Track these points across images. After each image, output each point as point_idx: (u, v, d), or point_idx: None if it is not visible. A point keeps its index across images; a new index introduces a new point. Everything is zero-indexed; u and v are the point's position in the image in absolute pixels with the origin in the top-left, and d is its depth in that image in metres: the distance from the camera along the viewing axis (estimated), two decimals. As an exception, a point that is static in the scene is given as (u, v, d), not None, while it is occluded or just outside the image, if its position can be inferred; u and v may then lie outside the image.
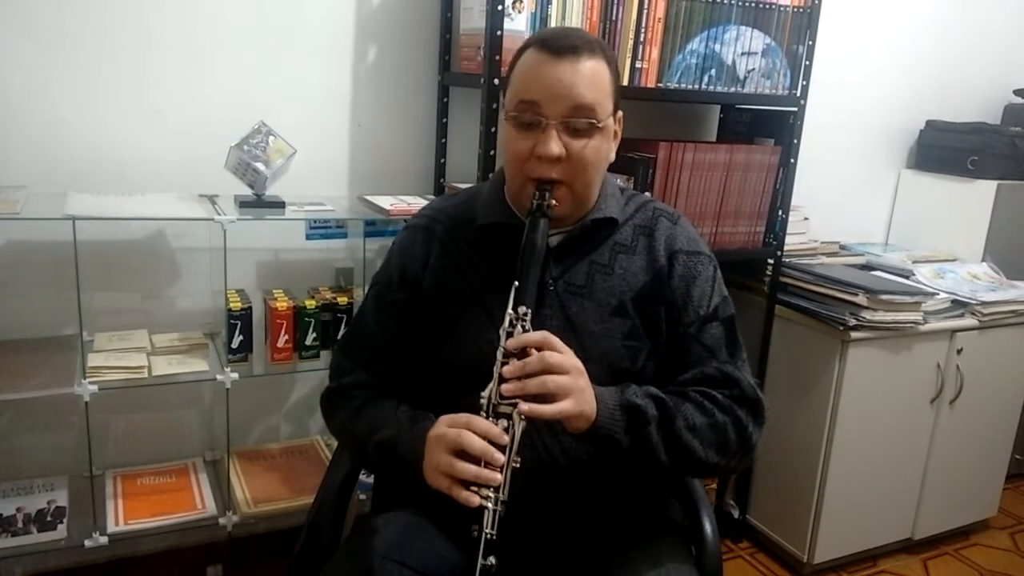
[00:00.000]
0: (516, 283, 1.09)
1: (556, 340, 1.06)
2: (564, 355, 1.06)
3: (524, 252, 1.11)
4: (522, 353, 1.04)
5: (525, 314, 1.07)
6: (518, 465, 1.03)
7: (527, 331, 1.06)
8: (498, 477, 1.00)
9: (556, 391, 1.03)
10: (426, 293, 1.24)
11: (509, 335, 1.06)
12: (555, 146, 1.11)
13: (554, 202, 1.13)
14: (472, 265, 1.23)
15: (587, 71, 1.11)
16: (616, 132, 1.20)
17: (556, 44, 1.11)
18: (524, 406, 1.01)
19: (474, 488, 1.00)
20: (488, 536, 1.00)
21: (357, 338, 1.31)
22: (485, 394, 1.05)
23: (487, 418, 1.04)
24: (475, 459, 1.01)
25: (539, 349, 1.04)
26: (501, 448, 1.01)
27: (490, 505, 1.00)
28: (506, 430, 1.02)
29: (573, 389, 1.04)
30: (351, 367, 1.28)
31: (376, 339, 1.28)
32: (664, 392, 1.16)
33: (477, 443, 1.01)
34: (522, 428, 1.03)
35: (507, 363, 1.04)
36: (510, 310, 1.07)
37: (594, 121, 1.12)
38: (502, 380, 1.04)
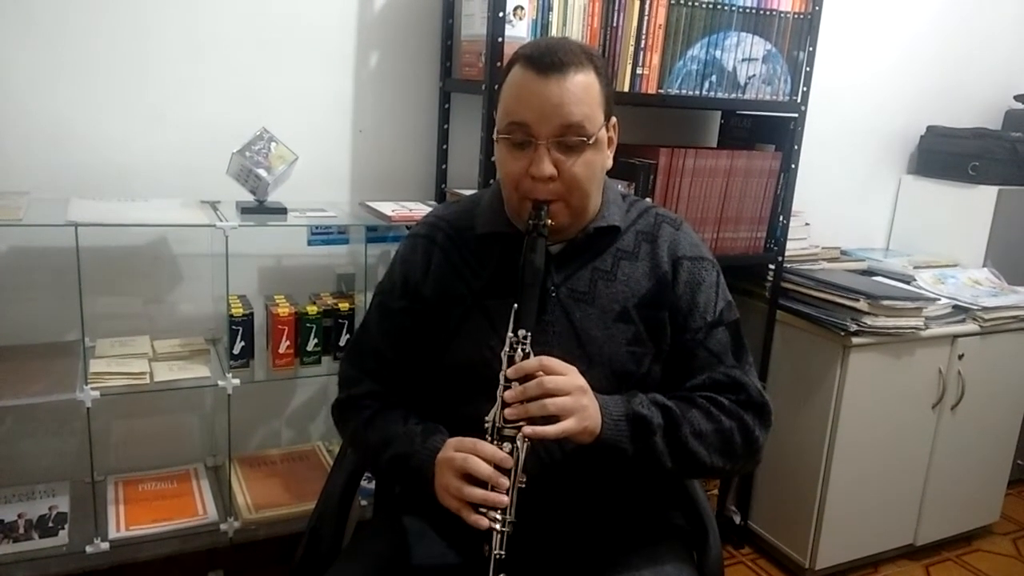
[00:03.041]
0: (516, 305, 1.09)
1: (555, 363, 1.08)
2: (564, 376, 1.07)
3: (523, 274, 1.11)
4: (524, 376, 1.06)
5: (525, 337, 1.08)
6: (524, 485, 1.05)
7: (527, 354, 1.08)
8: (504, 499, 1.02)
9: (557, 413, 1.05)
10: (427, 300, 1.24)
11: (511, 359, 1.08)
12: (547, 167, 1.11)
13: (550, 221, 1.14)
14: (473, 271, 1.24)
15: (575, 87, 1.10)
16: (611, 139, 1.20)
17: (542, 61, 1.10)
18: (528, 428, 1.04)
19: (483, 510, 1.02)
20: (497, 556, 1.02)
21: (362, 347, 1.32)
22: (489, 418, 1.07)
23: (492, 441, 1.06)
24: (483, 483, 1.03)
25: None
26: (506, 471, 1.03)
27: (498, 527, 1.02)
28: (511, 453, 1.04)
29: (575, 409, 1.06)
30: (358, 376, 1.29)
31: (380, 347, 1.28)
32: (671, 398, 1.17)
33: (484, 468, 1.03)
34: (526, 449, 1.05)
35: (509, 387, 1.06)
36: (510, 333, 1.08)
37: (585, 139, 1.11)
38: (505, 404, 1.06)
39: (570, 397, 1.06)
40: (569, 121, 1.10)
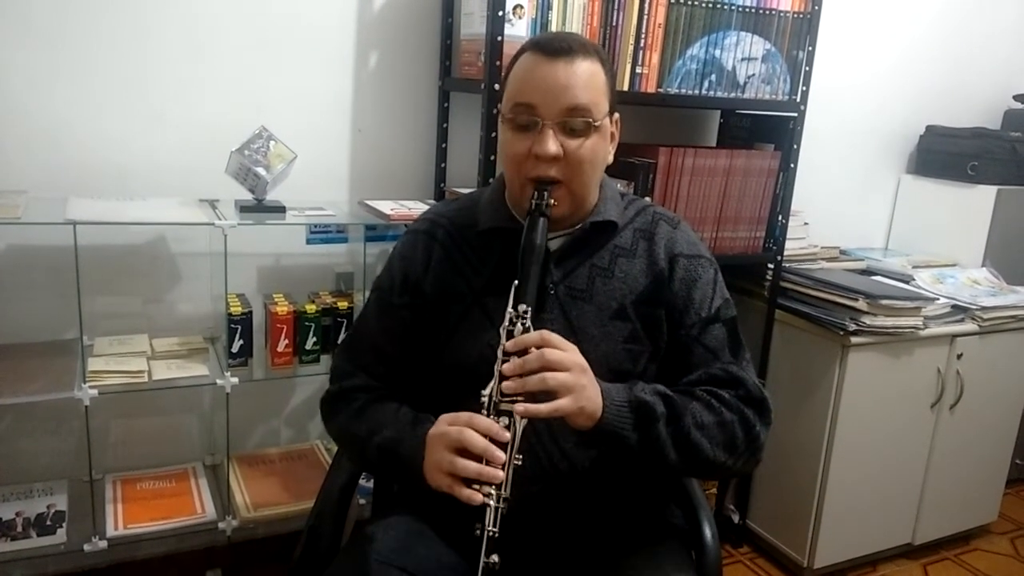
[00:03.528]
0: (516, 282, 1.09)
1: (556, 338, 1.06)
2: (565, 352, 1.05)
3: (524, 251, 1.11)
4: (523, 351, 1.04)
5: (525, 312, 1.07)
6: (520, 462, 1.03)
7: (527, 329, 1.06)
8: (500, 474, 1.00)
9: (556, 388, 1.02)
10: (427, 297, 1.24)
11: (510, 334, 1.06)
12: (552, 145, 1.12)
13: (553, 201, 1.14)
14: (473, 268, 1.24)
15: (582, 71, 1.12)
16: (613, 134, 1.21)
17: (551, 46, 1.12)
18: (520, 407, 1.01)
19: (476, 486, 1.00)
20: (491, 534, 1.00)
21: (359, 342, 1.32)
22: (486, 392, 1.05)
23: (488, 416, 1.04)
24: (476, 457, 1.01)
25: (539, 347, 1.04)
26: (503, 446, 1.01)
27: (492, 502, 1.00)
28: (507, 427, 1.02)
29: (574, 386, 1.04)
30: (352, 370, 1.29)
31: (378, 343, 1.28)
32: (671, 391, 1.16)
33: (479, 441, 1.01)
34: (523, 425, 1.03)
35: (507, 361, 1.04)
36: (510, 308, 1.07)
37: (590, 120, 1.12)
38: (503, 378, 1.03)
39: (570, 374, 1.04)
40: (575, 103, 1.11)
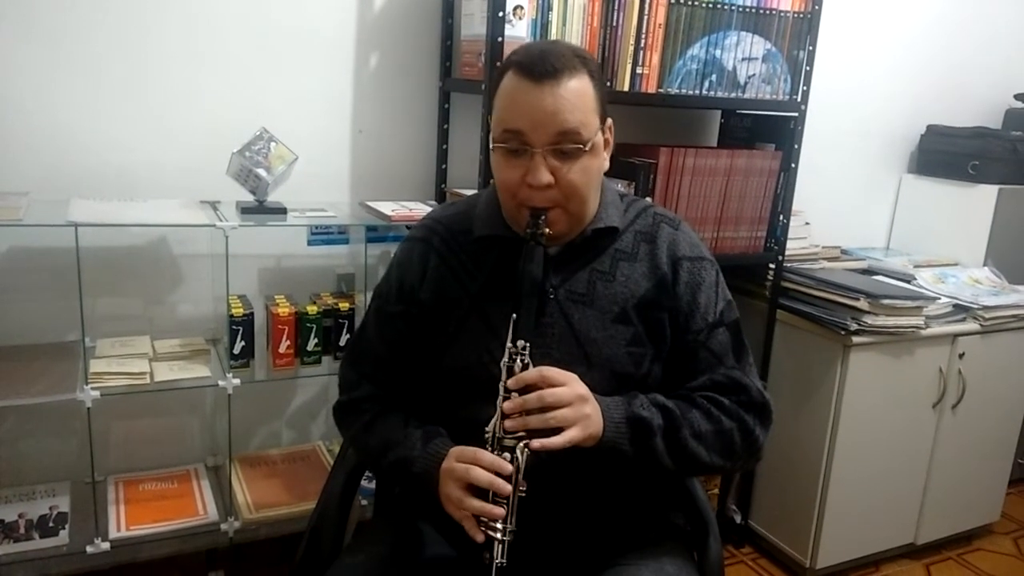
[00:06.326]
0: (514, 316, 1.09)
1: (555, 373, 1.08)
2: (565, 387, 1.08)
3: (521, 283, 1.11)
4: (525, 387, 1.07)
5: (524, 348, 1.08)
6: (524, 493, 1.05)
7: (526, 365, 1.08)
8: (500, 512, 1.03)
9: (559, 425, 1.05)
10: (424, 304, 1.24)
11: (510, 370, 1.08)
12: (543, 175, 1.10)
13: (547, 230, 1.13)
14: (470, 274, 1.23)
15: (569, 94, 1.09)
16: (607, 141, 1.19)
17: (535, 69, 1.08)
18: (536, 442, 1.05)
19: (484, 519, 1.04)
20: (499, 564, 1.03)
21: (360, 350, 1.32)
22: (489, 428, 1.08)
23: (492, 450, 1.06)
24: (484, 491, 1.04)
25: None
26: (507, 480, 1.04)
27: (499, 536, 1.03)
28: (511, 462, 1.05)
29: (576, 419, 1.07)
30: (357, 379, 1.30)
31: (378, 351, 1.28)
32: (671, 398, 1.17)
33: (484, 478, 1.04)
34: (526, 458, 1.06)
35: (508, 397, 1.07)
36: (509, 344, 1.09)
37: (581, 146, 1.11)
38: (504, 415, 1.06)
39: (570, 408, 1.07)
40: (564, 128, 1.09)
